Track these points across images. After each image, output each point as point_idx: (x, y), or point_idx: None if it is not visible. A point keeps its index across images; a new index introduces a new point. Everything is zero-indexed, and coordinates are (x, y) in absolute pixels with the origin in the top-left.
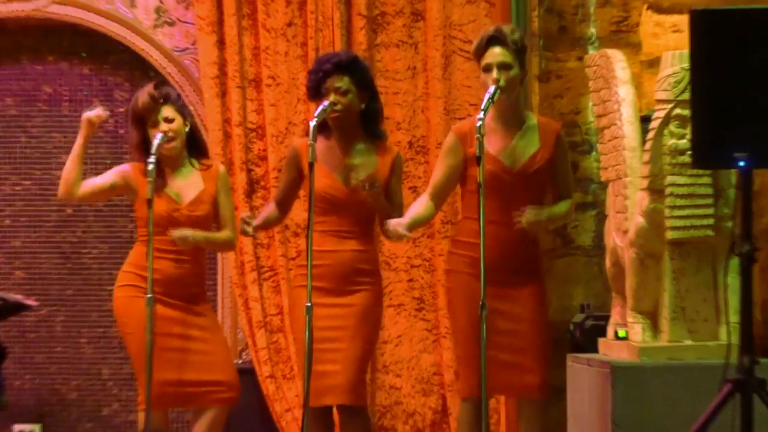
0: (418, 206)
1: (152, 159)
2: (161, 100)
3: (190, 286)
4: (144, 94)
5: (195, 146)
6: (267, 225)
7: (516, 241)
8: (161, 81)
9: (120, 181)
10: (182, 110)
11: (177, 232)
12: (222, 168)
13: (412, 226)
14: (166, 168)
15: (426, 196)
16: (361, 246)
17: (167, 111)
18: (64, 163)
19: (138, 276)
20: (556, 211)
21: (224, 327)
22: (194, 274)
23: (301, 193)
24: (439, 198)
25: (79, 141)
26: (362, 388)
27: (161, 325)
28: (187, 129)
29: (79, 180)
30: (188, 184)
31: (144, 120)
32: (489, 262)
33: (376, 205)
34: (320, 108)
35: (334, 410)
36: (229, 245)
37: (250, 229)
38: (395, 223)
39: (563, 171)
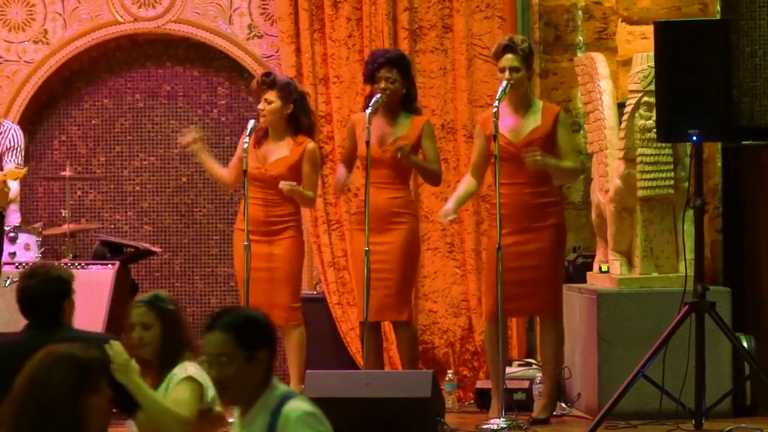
0: (463, 185)
1: (246, 139)
2: (264, 86)
3: (270, 225)
4: (255, 80)
5: (294, 124)
6: (342, 183)
7: (527, 196)
8: (270, 72)
9: (241, 153)
10: (284, 96)
11: (284, 184)
12: (311, 146)
13: (458, 206)
14: (269, 135)
15: (468, 174)
16: (394, 194)
17: (269, 95)
18: (180, 144)
19: (240, 220)
20: (560, 164)
21: (303, 267)
22: (277, 215)
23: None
24: (478, 172)
25: (204, 164)
26: (405, 306)
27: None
28: (287, 111)
29: (224, 179)
30: (277, 149)
31: (256, 98)
32: (508, 214)
33: (410, 165)
34: (374, 99)
35: (382, 326)
36: (311, 202)
37: (347, 185)
38: (443, 214)
39: (565, 141)
